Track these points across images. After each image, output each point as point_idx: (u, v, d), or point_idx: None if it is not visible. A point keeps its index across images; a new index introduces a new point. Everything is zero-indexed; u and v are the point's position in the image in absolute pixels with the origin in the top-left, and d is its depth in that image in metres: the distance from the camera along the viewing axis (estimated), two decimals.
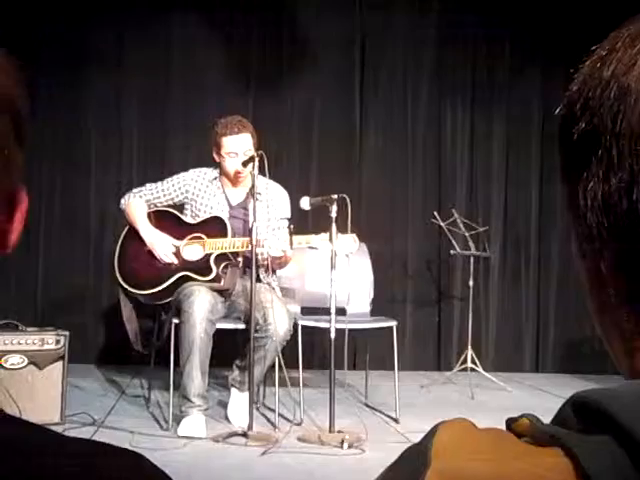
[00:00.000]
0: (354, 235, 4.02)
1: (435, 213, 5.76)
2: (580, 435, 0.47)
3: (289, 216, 4.50)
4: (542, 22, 6.43)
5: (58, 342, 3.97)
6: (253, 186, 4.13)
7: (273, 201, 4.41)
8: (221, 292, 4.30)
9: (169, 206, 4.52)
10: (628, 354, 0.56)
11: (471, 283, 5.71)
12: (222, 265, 4.29)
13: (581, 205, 0.56)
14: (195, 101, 6.27)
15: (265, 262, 4.26)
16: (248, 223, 4.24)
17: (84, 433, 3.81)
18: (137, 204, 4.46)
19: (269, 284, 4.40)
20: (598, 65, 0.56)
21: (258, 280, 4.17)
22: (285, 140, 6.37)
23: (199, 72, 6.34)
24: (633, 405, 0.46)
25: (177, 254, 4.34)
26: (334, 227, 3.77)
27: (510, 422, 0.52)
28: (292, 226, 4.21)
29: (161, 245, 4.35)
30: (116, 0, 6.12)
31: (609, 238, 0.54)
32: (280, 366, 4.25)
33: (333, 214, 3.76)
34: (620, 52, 0.55)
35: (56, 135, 6.02)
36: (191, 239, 4.34)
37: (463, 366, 5.72)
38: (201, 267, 4.27)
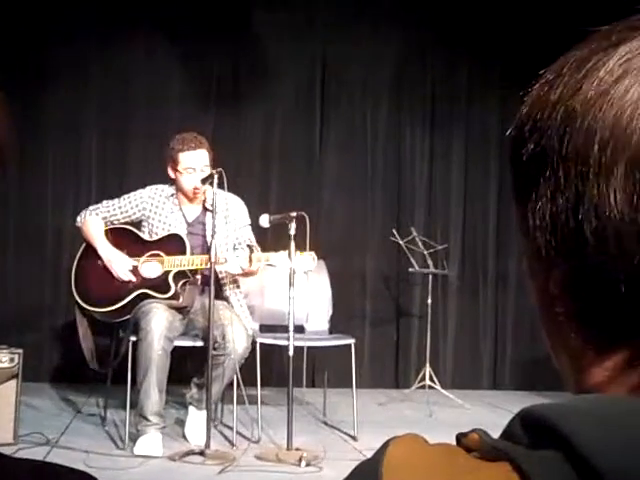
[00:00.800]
0: (312, 253, 4.04)
1: (394, 231, 5.80)
2: (528, 450, 0.48)
3: (250, 222, 4.49)
4: (501, 42, 6.53)
5: (12, 360, 3.90)
6: (207, 201, 4.12)
7: (231, 212, 4.40)
8: (179, 309, 4.28)
9: (126, 223, 4.49)
10: (576, 370, 0.58)
11: (429, 301, 5.75)
12: (181, 282, 4.27)
13: (530, 225, 0.57)
14: (155, 116, 6.25)
15: (225, 279, 4.26)
16: (206, 238, 4.24)
17: (38, 453, 3.75)
18: (93, 221, 4.43)
19: (226, 300, 4.38)
20: (546, 89, 0.58)
21: (217, 297, 4.16)
22: (245, 157, 6.37)
23: (160, 88, 6.32)
24: (580, 420, 0.47)
25: (135, 272, 4.31)
26: (293, 245, 3.78)
27: (460, 437, 0.53)
28: (252, 244, 4.21)
29: (119, 263, 4.31)
30: (77, 16, 6.08)
31: (557, 257, 0.56)
32: (238, 383, 4.24)
33: (292, 232, 3.77)
34: (567, 76, 0.56)
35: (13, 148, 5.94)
36: (149, 256, 4.32)
37: (421, 383, 5.75)
38: (159, 285, 4.25)
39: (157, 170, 5.76)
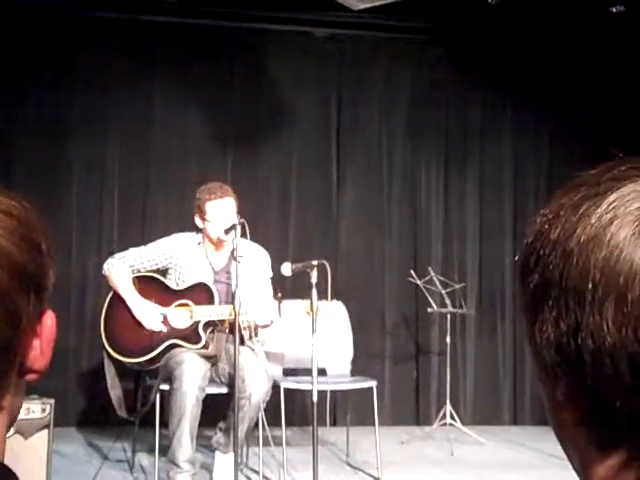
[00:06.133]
0: (340, 303, 4.15)
1: (412, 272, 5.88)
2: None
3: (271, 275, 4.57)
4: (513, 84, 6.67)
5: (44, 410, 3.93)
6: (234, 251, 4.20)
7: (255, 262, 4.49)
8: (209, 358, 4.35)
9: (152, 271, 4.53)
10: (583, 466, 0.68)
11: (448, 340, 5.82)
12: (209, 330, 4.35)
13: (537, 342, 0.68)
14: (175, 162, 6.39)
15: (249, 328, 4.34)
16: (232, 286, 4.31)
17: None
18: (121, 270, 4.46)
19: (249, 347, 4.45)
20: (546, 226, 0.68)
21: (241, 343, 4.23)
22: (263, 200, 6.48)
23: (179, 133, 6.44)
24: None
25: (165, 321, 4.37)
26: (314, 292, 3.86)
27: None
28: (280, 294, 4.28)
29: (148, 314, 4.36)
30: (98, 62, 6.24)
31: (561, 371, 0.66)
32: (263, 425, 4.30)
33: (314, 280, 3.84)
34: (563, 218, 0.67)
35: (37, 194, 6.04)
36: (178, 306, 4.40)
37: (443, 422, 5.79)
38: (190, 335, 4.31)
39: (176, 215, 5.91)
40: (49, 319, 0.76)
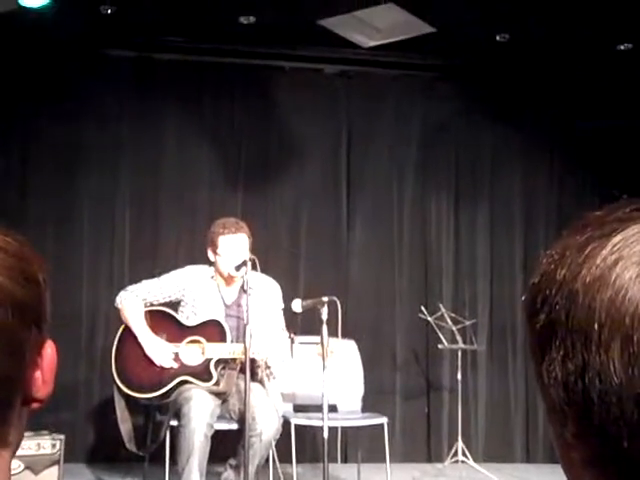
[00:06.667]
0: (352, 341, 4.14)
1: (422, 308, 5.87)
2: None
3: (283, 307, 4.54)
4: (523, 120, 6.71)
5: (54, 446, 3.93)
6: (245, 285, 4.19)
7: (265, 294, 4.48)
8: (218, 394, 4.33)
9: (165, 304, 4.52)
10: None
11: (459, 376, 5.78)
12: (220, 367, 4.33)
13: (545, 382, 0.68)
14: (185, 196, 6.41)
15: (259, 362, 4.33)
16: (243, 320, 4.29)
17: None
18: (133, 305, 4.44)
19: (260, 382, 4.43)
20: (552, 267, 0.69)
21: (251, 380, 4.21)
22: (274, 236, 6.48)
23: (189, 168, 6.46)
24: None
25: (176, 358, 4.35)
26: (325, 329, 3.85)
27: None
28: (292, 335, 4.27)
29: (159, 351, 4.34)
30: (109, 98, 6.30)
31: (569, 411, 0.66)
32: (274, 461, 4.27)
33: (324, 316, 3.83)
34: (569, 259, 0.68)
35: (48, 228, 6.09)
36: (189, 342, 4.37)
37: (454, 459, 5.73)
38: (201, 372, 4.28)
39: (188, 247, 5.93)
40: (49, 348, 0.78)
